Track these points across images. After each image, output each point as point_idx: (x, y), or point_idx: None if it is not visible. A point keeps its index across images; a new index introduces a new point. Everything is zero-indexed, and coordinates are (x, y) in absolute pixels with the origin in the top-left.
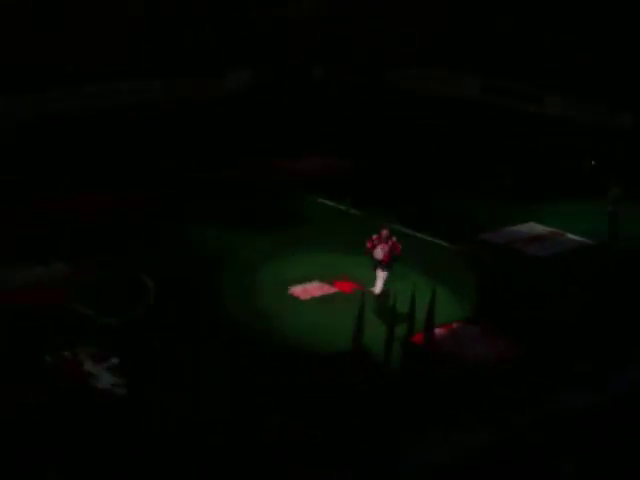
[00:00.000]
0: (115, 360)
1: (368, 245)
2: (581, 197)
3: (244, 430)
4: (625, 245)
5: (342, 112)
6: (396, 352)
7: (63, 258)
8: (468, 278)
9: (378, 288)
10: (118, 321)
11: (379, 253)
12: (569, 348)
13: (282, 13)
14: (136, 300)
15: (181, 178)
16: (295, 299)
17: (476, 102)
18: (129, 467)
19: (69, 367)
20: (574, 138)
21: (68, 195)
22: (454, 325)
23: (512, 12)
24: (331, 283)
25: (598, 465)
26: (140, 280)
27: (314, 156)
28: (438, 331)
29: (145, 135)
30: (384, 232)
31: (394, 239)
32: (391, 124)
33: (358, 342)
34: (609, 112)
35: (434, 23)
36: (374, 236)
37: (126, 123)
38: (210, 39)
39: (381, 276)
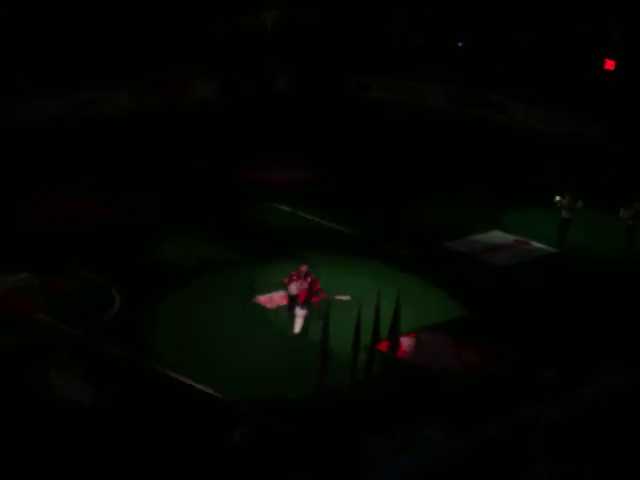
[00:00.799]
0: (82, 369)
1: (285, 280)
2: (545, 205)
3: (208, 440)
4: (577, 253)
5: (308, 122)
6: (362, 360)
7: (30, 268)
8: (432, 287)
9: (297, 327)
10: (85, 331)
11: (294, 289)
12: (539, 357)
13: (249, 24)
14: (102, 310)
15: (147, 188)
16: (262, 307)
17: (441, 112)
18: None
19: (36, 377)
20: (539, 147)
21: (36, 203)
22: (422, 333)
23: (478, 21)
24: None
25: (572, 471)
26: (107, 290)
27: (281, 166)
28: (405, 339)
29: (110, 145)
30: (303, 268)
31: (313, 276)
32: (357, 133)
33: (325, 350)
34: (576, 122)
35: (398, 34)
36: (293, 272)
37: (91, 133)
38: (176, 48)
39: (299, 314)
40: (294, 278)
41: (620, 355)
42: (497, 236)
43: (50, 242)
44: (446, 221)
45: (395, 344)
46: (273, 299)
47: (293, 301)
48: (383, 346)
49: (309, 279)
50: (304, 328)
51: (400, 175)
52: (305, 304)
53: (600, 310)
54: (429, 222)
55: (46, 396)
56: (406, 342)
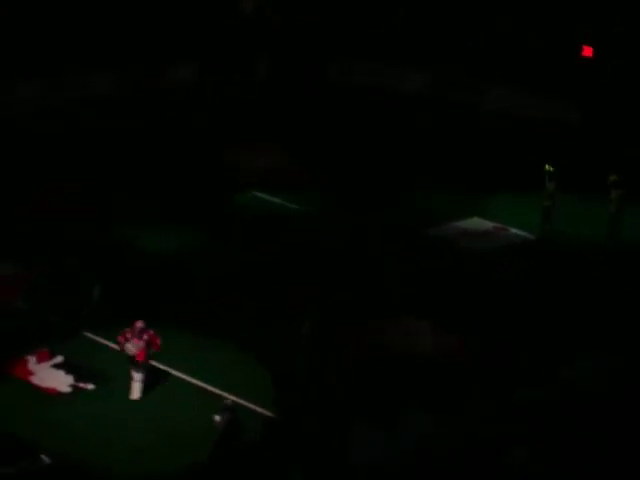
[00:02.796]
0: (59, 358)
1: (119, 340)
2: (524, 191)
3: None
4: (556, 239)
5: (287, 108)
6: None
7: (11, 257)
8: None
9: (135, 393)
10: (64, 319)
11: (131, 349)
12: (517, 343)
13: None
14: (83, 299)
15: (123, 174)
16: None
17: (420, 96)
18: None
19: (15, 365)
20: (518, 132)
21: (16, 193)
22: (403, 319)
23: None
24: None
25: (550, 452)
26: (86, 278)
27: (260, 152)
28: (387, 323)
29: (90, 130)
30: (137, 325)
31: (151, 332)
32: (335, 119)
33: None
34: (556, 107)
35: (380, 18)
36: (126, 329)
37: (71, 118)
38: (156, 32)
39: (137, 378)
40: (128, 336)
41: (596, 341)
42: (476, 223)
43: (32, 231)
44: (426, 207)
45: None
46: None
47: (132, 363)
48: None
49: (145, 336)
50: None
51: (379, 161)
52: (143, 365)
53: (577, 296)
54: (409, 209)
55: (25, 384)
56: (390, 327)
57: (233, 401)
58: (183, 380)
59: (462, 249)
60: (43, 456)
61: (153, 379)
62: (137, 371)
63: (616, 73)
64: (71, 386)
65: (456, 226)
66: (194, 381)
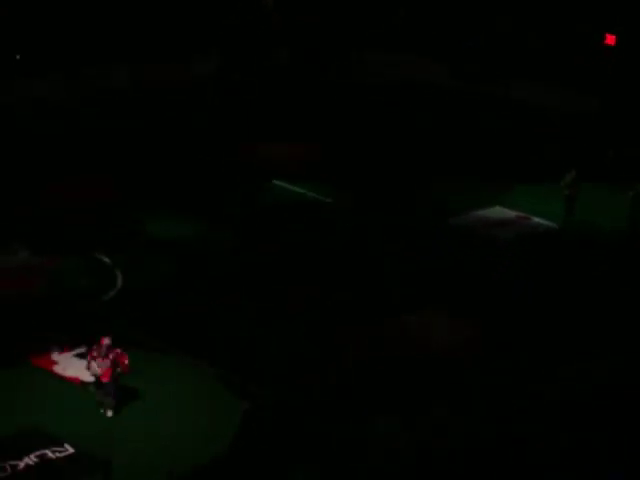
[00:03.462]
0: (82, 348)
1: (87, 357)
2: (546, 181)
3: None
4: (579, 228)
5: (308, 97)
6: None
7: (30, 246)
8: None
9: (109, 412)
10: (86, 308)
11: (95, 369)
12: (535, 335)
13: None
14: (103, 287)
15: (145, 165)
16: None
17: (444, 87)
18: None
19: (38, 355)
20: (540, 122)
21: (35, 185)
22: (422, 311)
23: None
24: None
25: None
26: (107, 268)
27: (281, 142)
28: (406, 316)
29: (111, 121)
30: (104, 341)
31: (118, 351)
32: (358, 109)
33: None
34: (576, 97)
35: (401, 6)
36: (93, 347)
37: (90, 109)
38: (177, 23)
39: (108, 402)
40: (94, 355)
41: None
42: (498, 212)
43: (50, 221)
44: (447, 197)
45: None
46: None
47: (98, 383)
48: None
49: (111, 355)
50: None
51: (401, 151)
52: (109, 385)
53: (595, 287)
54: (430, 198)
55: (47, 373)
56: (408, 319)
57: None
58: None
59: (483, 238)
60: (66, 445)
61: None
62: (105, 392)
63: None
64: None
65: (478, 215)
66: None
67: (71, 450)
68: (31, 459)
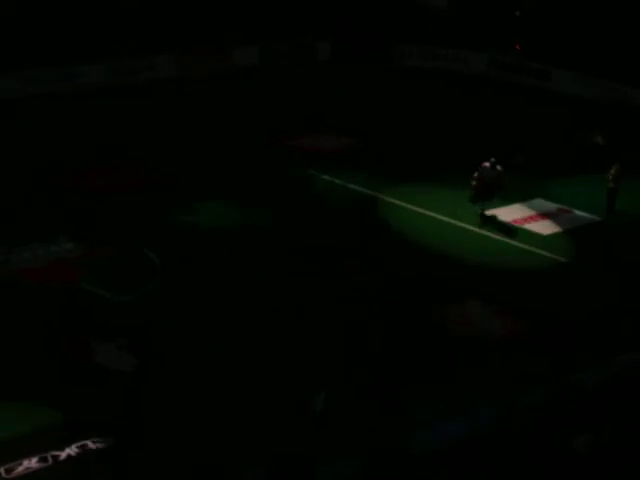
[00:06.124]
0: (123, 339)
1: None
2: (588, 173)
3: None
4: (622, 221)
5: (348, 89)
6: None
7: (74, 237)
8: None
9: None
10: (127, 300)
11: None
12: (579, 328)
13: None
14: (145, 279)
15: (186, 155)
16: None
17: (483, 78)
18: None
19: (79, 346)
20: (582, 114)
21: (77, 173)
22: (465, 303)
23: None
24: None
25: (614, 438)
26: (148, 258)
27: (321, 133)
28: (450, 308)
29: (154, 112)
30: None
31: None
32: (398, 101)
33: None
34: (620, 89)
35: None
36: None
37: (136, 100)
38: (218, 14)
39: None
40: None
41: None
42: (540, 204)
43: (93, 212)
44: None
45: None
46: None
47: None
48: None
49: None
50: None
51: (441, 142)
52: None
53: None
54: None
55: (85, 364)
56: (452, 311)
57: None
58: None
59: (525, 229)
60: (107, 438)
61: None
62: None
63: None
64: (134, 367)
65: (520, 207)
66: None
67: (109, 441)
68: (72, 449)
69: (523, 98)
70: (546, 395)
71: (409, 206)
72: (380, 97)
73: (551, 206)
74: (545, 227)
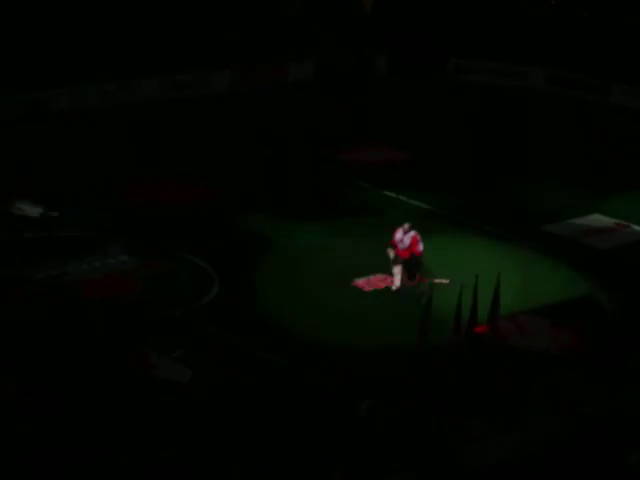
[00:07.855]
0: (180, 351)
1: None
2: None
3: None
4: None
5: (404, 102)
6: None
7: (129, 251)
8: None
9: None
10: (184, 311)
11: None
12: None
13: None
14: (201, 291)
15: (238, 168)
16: (358, 290)
17: (541, 93)
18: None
19: (137, 359)
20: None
21: (132, 186)
22: (520, 316)
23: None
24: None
25: None
26: (204, 271)
27: (374, 146)
28: (503, 322)
29: (205, 126)
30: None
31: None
32: (453, 115)
33: (425, 335)
34: None
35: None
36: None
37: (189, 115)
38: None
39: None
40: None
41: None
42: (597, 219)
43: (148, 224)
44: (544, 204)
45: (494, 327)
46: (371, 282)
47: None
48: (482, 329)
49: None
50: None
51: (497, 157)
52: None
53: None
54: (526, 205)
55: (146, 377)
56: (503, 324)
57: None
58: None
59: (582, 245)
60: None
61: None
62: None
63: None
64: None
65: (576, 223)
66: None
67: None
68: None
69: (582, 112)
70: (601, 412)
71: None
72: (436, 111)
73: (608, 221)
74: (602, 242)
